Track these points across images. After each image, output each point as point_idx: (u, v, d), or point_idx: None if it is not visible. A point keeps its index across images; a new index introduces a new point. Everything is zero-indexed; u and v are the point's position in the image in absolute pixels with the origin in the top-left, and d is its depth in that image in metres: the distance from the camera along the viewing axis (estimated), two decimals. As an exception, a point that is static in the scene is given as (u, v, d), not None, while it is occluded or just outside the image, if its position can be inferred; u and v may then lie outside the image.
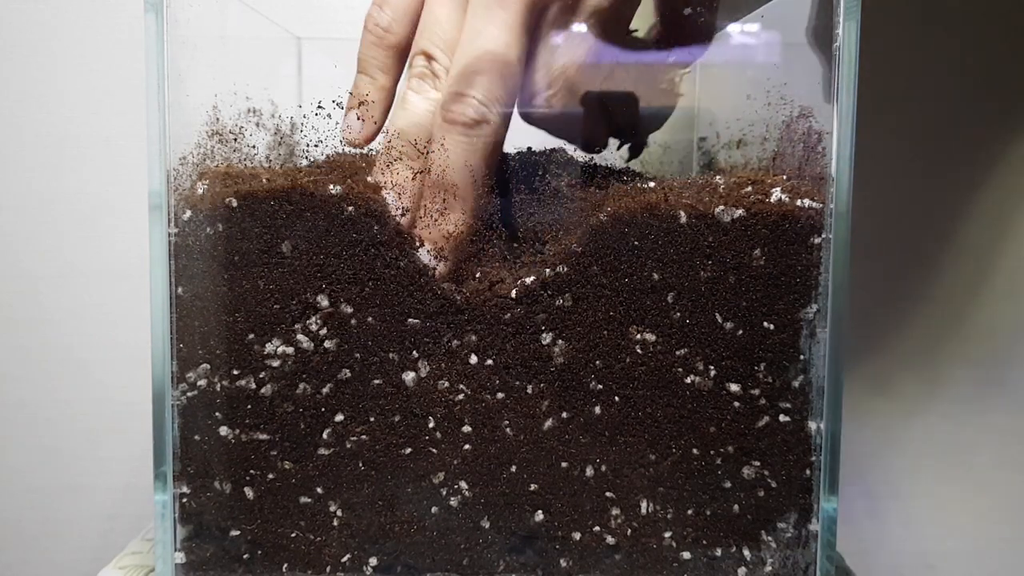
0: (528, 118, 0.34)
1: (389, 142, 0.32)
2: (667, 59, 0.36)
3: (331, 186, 0.30)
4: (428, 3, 0.32)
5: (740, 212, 0.29)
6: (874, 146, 0.44)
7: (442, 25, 0.32)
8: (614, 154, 0.40)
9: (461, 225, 0.31)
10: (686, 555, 0.31)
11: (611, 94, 0.35)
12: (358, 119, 0.34)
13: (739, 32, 0.37)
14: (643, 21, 0.37)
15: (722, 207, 0.29)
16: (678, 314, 0.30)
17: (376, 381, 0.31)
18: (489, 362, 0.31)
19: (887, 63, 0.45)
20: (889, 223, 0.49)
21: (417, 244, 0.31)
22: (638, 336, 0.30)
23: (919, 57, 0.48)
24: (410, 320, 0.31)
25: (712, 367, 0.30)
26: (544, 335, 0.31)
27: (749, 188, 0.30)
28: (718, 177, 0.32)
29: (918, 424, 0.48)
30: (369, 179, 0.31)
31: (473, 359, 0.31)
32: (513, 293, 0.30)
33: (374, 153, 0.35)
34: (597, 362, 0.31)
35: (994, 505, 0.46)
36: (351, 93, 0.34)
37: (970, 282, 0.47)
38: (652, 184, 0.32)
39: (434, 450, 0.31)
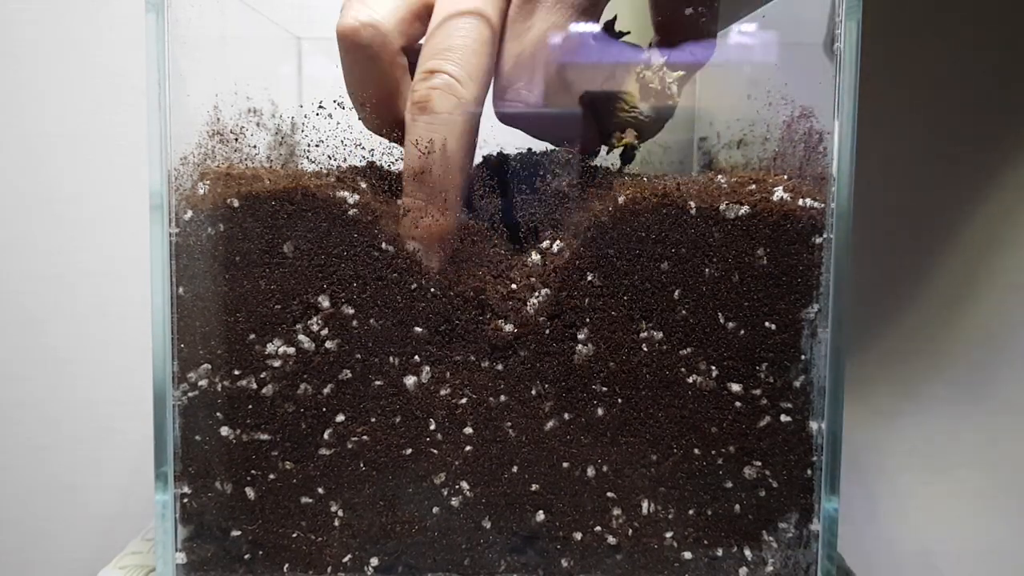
0: (503, 116, 0.32)
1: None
2: (659, 61, 0.35)
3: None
4: None
5: (745, 209, 0.29)
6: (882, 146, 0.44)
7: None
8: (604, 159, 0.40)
9: (441, 219, 0.30)
10: (687, 555, 0.31)
11: (601, 95, 0.33)
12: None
13: (738, 32, 0.37)
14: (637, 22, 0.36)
15: (727, 203, 0.29)
16: (684, 312, 0.30)
17: (377, 382, 0.31)
18: (499, 367, 0.31)
19: (891, 62, 0.46)
20: (883, 223, 0.49)
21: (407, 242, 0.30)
22: (646, 334, 0.30)
23: (925, 57, 0.47)
24: (416, 328, 0.31)
25: (714, 367, 0.30)
26: (557, 332, 0.31)
27: (752, 187, 0.30)
28: (720, 176, 0.32)
29: (901, 425, 0.48)
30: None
31: (472, 359, 0.31)
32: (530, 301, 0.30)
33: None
34: (611, 364, 0.31)
35: (976, 507, 0.46)
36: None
37: (963, 284, 0.47)
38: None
39: (435, 451, 0.31)
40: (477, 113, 0.30)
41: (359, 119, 0.33)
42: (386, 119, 0.32)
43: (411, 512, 0.31)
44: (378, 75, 0.31)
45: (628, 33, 0.35)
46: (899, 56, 0.47)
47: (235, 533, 0.32)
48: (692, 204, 0.30)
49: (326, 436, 0.31)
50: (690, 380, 0.30)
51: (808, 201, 0.30)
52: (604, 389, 0.31)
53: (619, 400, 0.31)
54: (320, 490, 0.31)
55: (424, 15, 0.31)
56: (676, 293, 0.30)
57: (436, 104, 0.29)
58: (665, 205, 0.30)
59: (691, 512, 0.31)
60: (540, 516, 0.31)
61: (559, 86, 0.32)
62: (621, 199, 0.30)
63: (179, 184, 0.31)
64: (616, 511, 0.31)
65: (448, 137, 0.29)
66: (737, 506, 0.31)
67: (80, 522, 0.62)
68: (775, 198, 0.30)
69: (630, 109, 0.34)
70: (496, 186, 0.33)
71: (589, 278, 0.30)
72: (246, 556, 0.32)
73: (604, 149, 0.36)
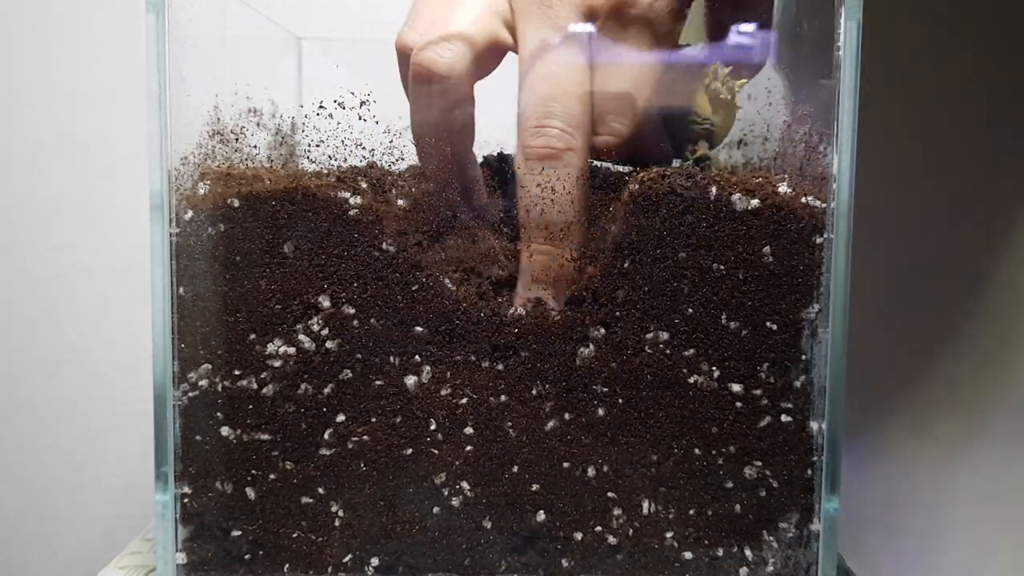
0: (594, 149, 0.33)
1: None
2: (724, 71, 0.35)
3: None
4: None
5: (755, 202, 0.29)
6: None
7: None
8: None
9: (570, 261, 0.31)
10: (688, 555, 0.31)
11: (679, 113, 0.34)
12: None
13: (738, 33, 0.37)
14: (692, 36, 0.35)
15: (739, 194, 0.29)
16: (691, 310, 0.30)
17: (378, 382, 0.31)
18: (499, 367, 0.31)
19: (893, 60, 0.45)
20: (917, 254, 0.48)
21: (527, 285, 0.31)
22: (651, 335, 0.30)
23: (930, 57, 0.47)
24: (416, 328, 0.31)
25: (715, 367, 0.30)
26: (560, 332, 0.31)
27: (759, 180, 0.30)
28: (726, 173, 0.32)
29: (960, 467, 0.47)
30: None
31: (473, 359, 0.31)
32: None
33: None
34: (612, 364, 0.31)
35: None
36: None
37: (1005, 319, 0.46)
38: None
39: (436, 451, 0.31)
40: (588, 156, 0.31)
41: (419, 155, 0.33)
42: (447, 154, 0.33)
43: (411, 512, 0.31)
44: (448, 112, 0.32)
45: (688, 45, 0.35)
46: (902, 54, 0.47)
47: (235, 533, 0.32)
48: (713, 189, 0.30)
49: (326, 436, 0.31)
50: (692, 380, 0.31)
51: (811, 199, 0.30)
52: (605, 389, 0.31)
53: (620, 400, 0.31)
54: (320, 490, 0.31)
55: (496, 52, 0.32)
56: (685, 291, 0.30)
57: (557, 154, 0.30)
58: (703, 179, 0.30)
59: (691, 512, 0.31)
60: (541, 516, 0.31)
61: (645, 112, 0.33)
62: (626, 195, 0.30)
63: (179, 184, 0.31)
64: (617, 511, 0.31)
65: (571, 182, 0.30)
66: (737, 506, 0.31)
67: (80, 522, 0.62)
68: (778, 198, 0.30)
69: (703, 121, 0.34)
70: (496, 186, 0.33)
71: (596, 277, 0.30)
72: (246, 556, 0.32)
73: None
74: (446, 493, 0.31)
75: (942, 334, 0.47)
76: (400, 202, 0.32)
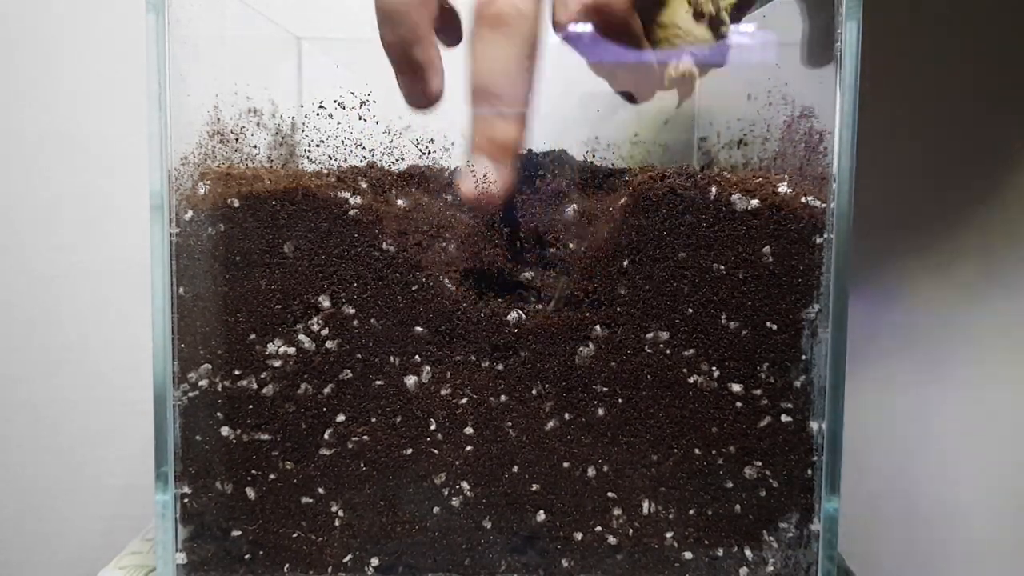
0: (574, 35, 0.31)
1: None
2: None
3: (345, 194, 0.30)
4: None
5: (755, 202, 0.29)
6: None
7: None
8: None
9: (512, 131, 0.30)
10: (688, 555, 0.31)
11: (651, 21, 0.32)
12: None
13: (738, 32, 0.37)
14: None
15: (739, 195, 0.29)
16: (691, 310, 0.30)
17: (378, 382, 0.31)
18: (499, 367, 0.31)
19: (902, 61, 0.45)
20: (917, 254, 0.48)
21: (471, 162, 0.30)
22: (651, 335, 0.30)
23: (930, 56, 0.47)
24: (416, 328, 0.31)
25: (715, 367, 0.30)
26: (561, 332, 0.31)
27: (759, 180, 0.30)
28: (726, 173, 0.32)
29: (979, 310, 0.47)
30: None
31: (473, 359, 0.31)
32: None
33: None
34: (612, 363, 0.31)
35: None
36: None
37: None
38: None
39: (436, 451, 0.31)
40: (538, 23, 0.30)
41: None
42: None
43: (411, 512, 0.31)
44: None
45: None
46: (902, 54, 0.47)
47: (235, 533, 0.32)
48: (713, 189, 0.30)
49: (326, 436, 0.31)
50: (692, 380, 0.31)
51: (811, 199, 0.30)
52: (604, 389, 0.31)
53: (620, 400, 0.31)
54: (320, 490, 0.31)
55: None
56: (685, 291, 0.30)
57: (506, 19, 0.29)
58: (703, 178, 0.30)
59: (692, 512, 0.31)
60: (541, 516, 0.31)
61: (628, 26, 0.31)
62: (624, 198, 0.30)
63: (179, 184, 0.31)
64: (617, 511, 0.31)
65: (521, 47, 0.30)
66: (737, 506, 0.31)
67: (80, 522, 0.62)
68: (778, 198, 0.30)
69: (685, 35, 0.32)
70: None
71: (612, 265, 0.30)
72: (246, 556, 0.32)
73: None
74: (446, 493, 0.31)
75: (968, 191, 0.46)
76: (400, 202, 0.32)
